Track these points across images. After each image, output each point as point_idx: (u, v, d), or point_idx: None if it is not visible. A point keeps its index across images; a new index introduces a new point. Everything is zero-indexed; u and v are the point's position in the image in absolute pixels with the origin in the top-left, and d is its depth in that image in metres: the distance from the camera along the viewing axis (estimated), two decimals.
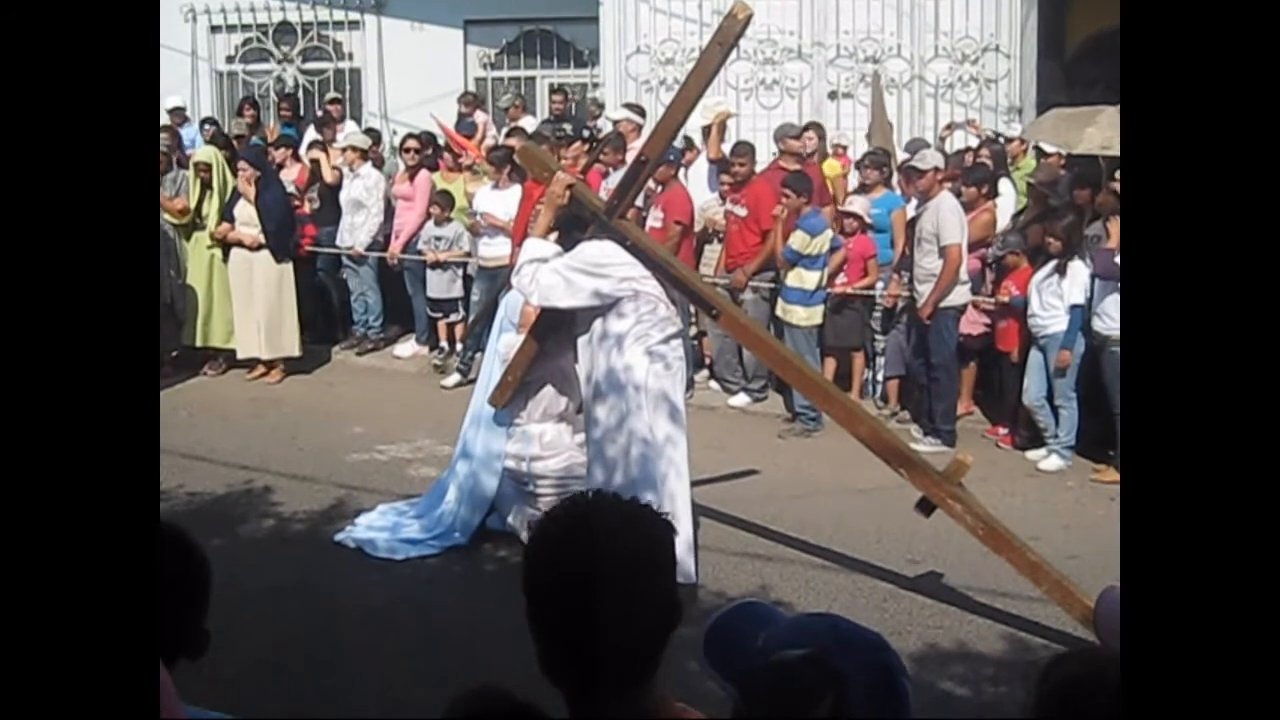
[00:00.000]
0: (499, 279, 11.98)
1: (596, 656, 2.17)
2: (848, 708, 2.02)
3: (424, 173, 13.35)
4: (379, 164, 13.96)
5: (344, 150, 13.53)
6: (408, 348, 13.66)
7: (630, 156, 10.73)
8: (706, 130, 12.83)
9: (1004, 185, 11.95)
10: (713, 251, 12.23)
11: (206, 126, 15.76)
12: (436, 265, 12.96)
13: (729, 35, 6.65)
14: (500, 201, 12.26)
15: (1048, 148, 12.30)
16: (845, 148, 13.68)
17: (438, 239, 12.93)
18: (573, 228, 7.30)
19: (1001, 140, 13.56)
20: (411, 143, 13.56)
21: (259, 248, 12.39)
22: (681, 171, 12.22)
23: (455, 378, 12.64)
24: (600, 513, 2.26)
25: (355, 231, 13.29)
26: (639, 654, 2.22)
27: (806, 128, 13.10)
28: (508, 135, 14.03)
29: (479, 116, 15.77)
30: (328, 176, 13.85)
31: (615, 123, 13.21)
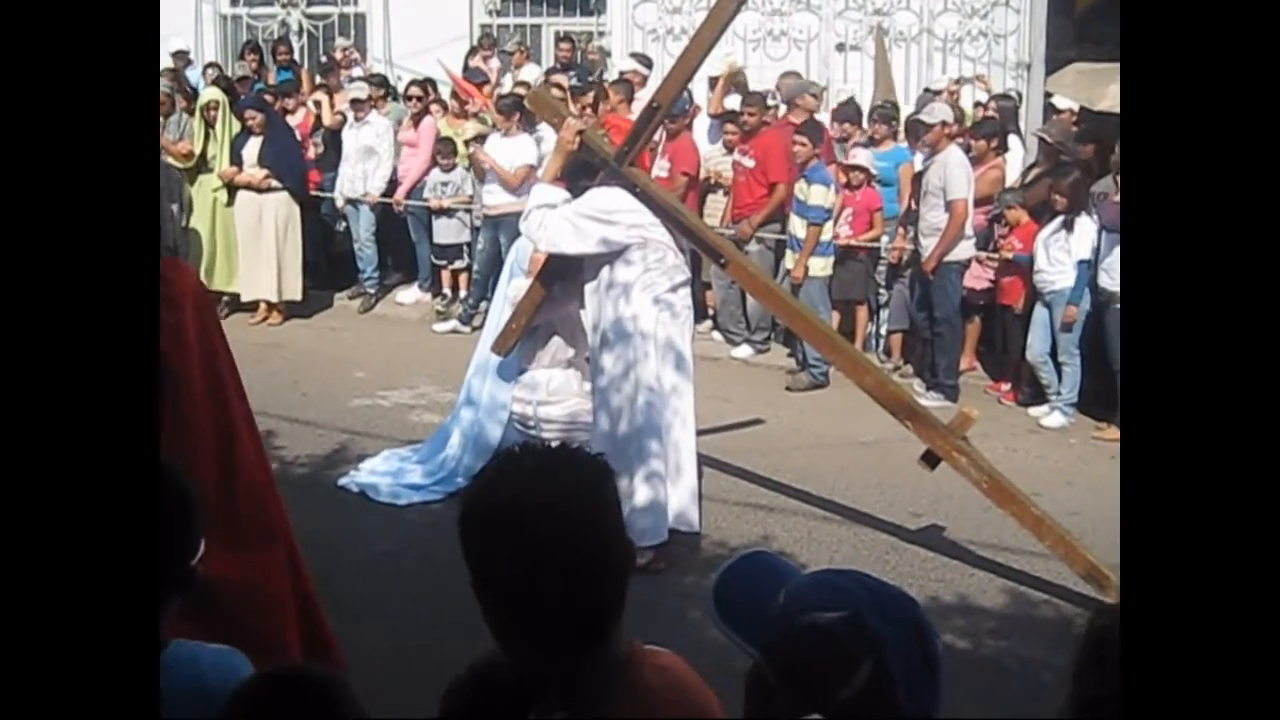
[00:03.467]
0: (501, 227, 11.96)
1: (549, 615, 2.10)
2: (887, 670, 1.93)
3: (428, 118, 13.25)
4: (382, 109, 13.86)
5: (350, 102, 13.44)
6: (410, 294, 13.62)
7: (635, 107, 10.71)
8: (714, 81, 12.78)
9: (1013, 141, 11.89)
10: (716, 202, 12.16)
11: (209, 71, 15.65)
12: (441, 212, 12.90)
13: None
14: (508, 150, 12.17)
15: (1060, 103, 12.22)
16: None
17: (443, 185, 12.87)
18: (581, 175, 7.25)
19: (1015, 96, 13.48)
20: (414, 89, 13.47)
21: (266, 190, 12.36)
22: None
23: (450, 324, 12.62)
24: (528, 466, 2.18)
25: (368, 178, 13.20)
26: (593, 604, 2.15)
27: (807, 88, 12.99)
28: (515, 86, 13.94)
29: (493, 63, 15.65)
30: (327, 122, 13.77)
31: (622, 74, 13.16)
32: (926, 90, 13.51)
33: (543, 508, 2.09)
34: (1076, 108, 11.91)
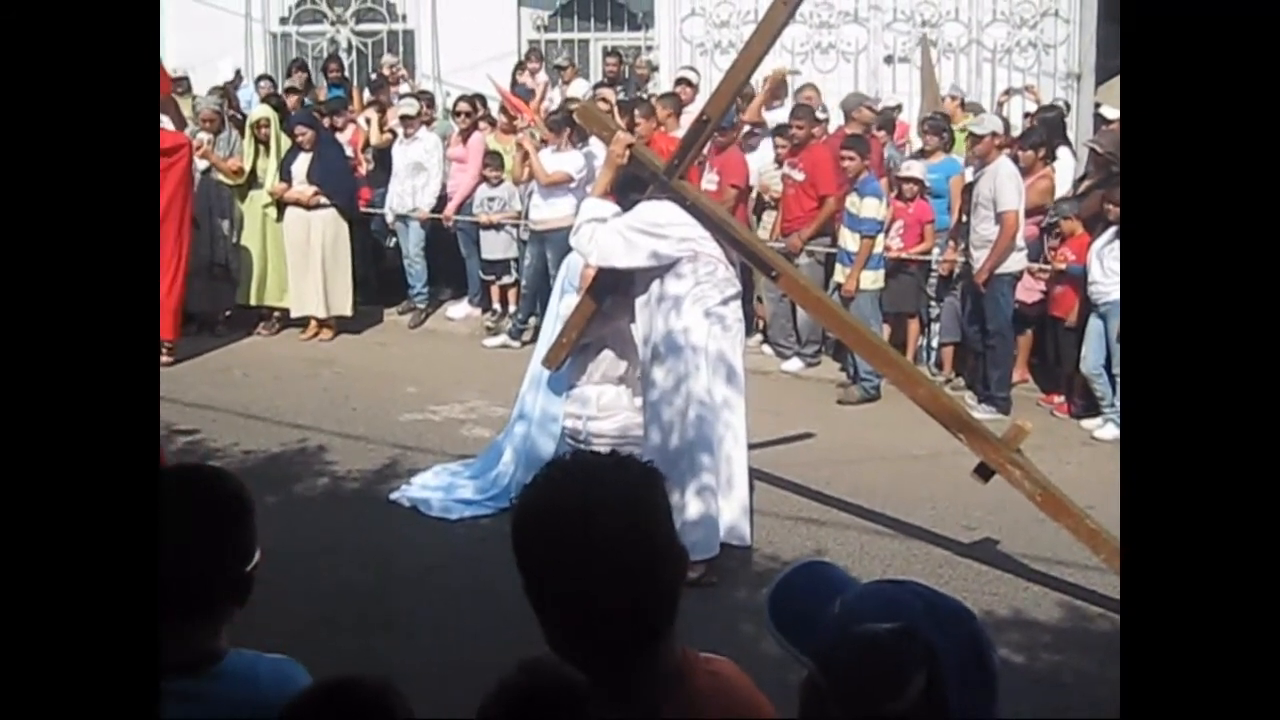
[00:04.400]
0: (548, 242, 11.99)
1: (603, 619, 2.12)
2: (942, 684, 1.90)
3: (477, 134, 13.30)
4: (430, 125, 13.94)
5: (400, 119, 13.50)
6: (460, 309, 13.66)
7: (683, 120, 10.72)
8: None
9: (1061, 151, 11.81)
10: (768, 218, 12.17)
11: (262, 84, 15.79)
12: (490, 227, 12.93)
13: None
14: (559, 166, 12.21)
15: (1109, 113, 12.15)
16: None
17: (490, 200, 12.91)
18: (631, 188, 7.25)
19: (1063, 106, 13.41)
20: (463, 105, 13.52)
21: (316, 207, 12.44)
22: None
23: (500, 339, 12.66)
24: (579, 473, 2.19)
25: (418, 194, 13.25)
26: (647, 609, 2.16)
27: (864, 100, 12.97)
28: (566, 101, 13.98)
29: (540, 77, 15.71)
30: (375, 139, 13.84)
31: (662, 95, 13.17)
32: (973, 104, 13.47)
33: (594, 513, 2.11)
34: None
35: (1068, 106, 13.78)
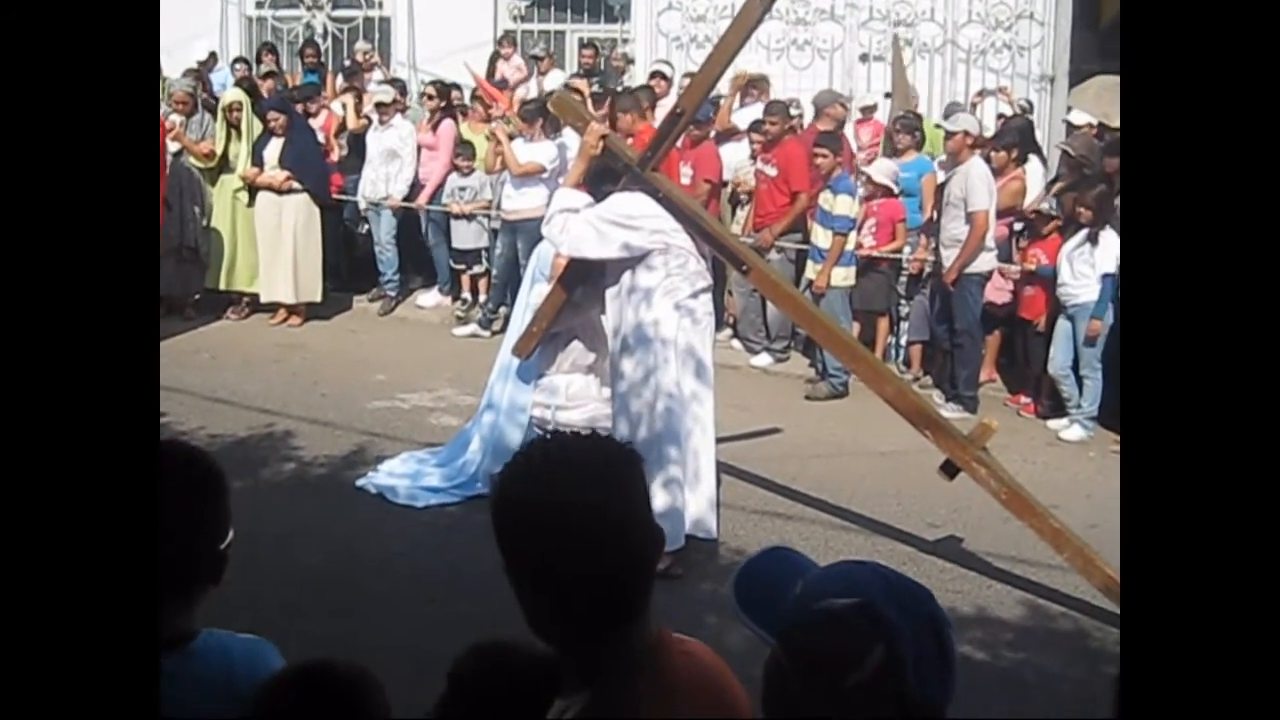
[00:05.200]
0: (520, 232, 11.98)
1: (581, 598, 2.13)
2: (899, 658, 1.94)
3: (447, 122, 13.29)
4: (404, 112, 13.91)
5: (375, 105, 13.46)
6: (430, 297, 13.64)
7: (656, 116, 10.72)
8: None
9: (1030, 159, 11.84)
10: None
11: (238, 66, 15.72)
12: (461, 216, 12.91)
13: None
14: (532, 156, 12.21)
15: (1076, 119, 12.18)
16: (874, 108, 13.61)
17: (461, 189, 12.89)
18: (604, 180, 7.25)
19: (1025, 105, 13.47)
20: (430, 90, 13.55)
21: (287, 192, 12.39)
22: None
23: (470, 328, 12.64)
24: (561, 451, 2.21)
25: (391, 181, 13.23)
26: (624, 590, 2.17)
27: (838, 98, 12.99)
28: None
29: (515, 61, 15.68)
30: (352, 125, 13.79)
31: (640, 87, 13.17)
32: (953, 104, 13.50)
33: (575, 492, 2.12)
34: (1095, 121, 11.87)
35: (1031, 106, 13.82)
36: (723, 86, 11.45)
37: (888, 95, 13.60)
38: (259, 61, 16.15)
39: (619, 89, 13.75)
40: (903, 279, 11.52)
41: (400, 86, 14.43)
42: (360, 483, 8.26)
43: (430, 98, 13.39)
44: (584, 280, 7.42)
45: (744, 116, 12.67)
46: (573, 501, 2.11)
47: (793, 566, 2.18)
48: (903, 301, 11.59)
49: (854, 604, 1.98)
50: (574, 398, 7.88)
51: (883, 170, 11.14)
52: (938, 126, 11.21)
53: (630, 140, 9.60)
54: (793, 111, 12.31)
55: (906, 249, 11.30)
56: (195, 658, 2.57)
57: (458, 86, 14.26)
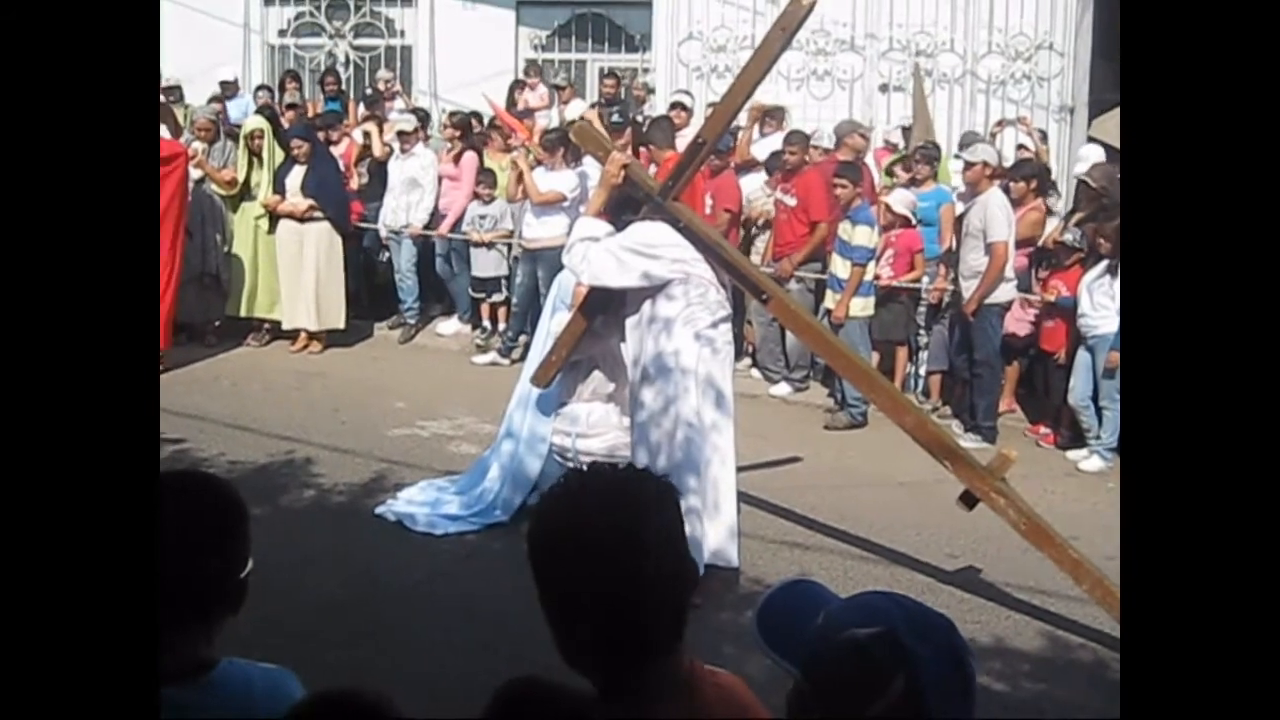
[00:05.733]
0: (540, 260, 12.00)
1: (619, 630, 2.15)
2: (920, 688, 1.96)
3: (469, 153, 13.34)
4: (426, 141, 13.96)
5: (397, 134, 13.52)
6: (450, 325, 13.67)
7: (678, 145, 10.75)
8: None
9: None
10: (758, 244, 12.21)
11: (260, 94, 15.81)
12: (481, 244, 12.95)
13: (792, 21, 6.59)
14: (552, 185, 12.24)
15: (1092, 153, 12.14)
16: (897, 145, 13.61)
17: (482, 218, 12.92)
18: (625, 209, 7.27)
19: (1041, 137, 13.47)
20: (449, 131, 13.64)
21: (309, 219, 12.45)
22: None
23: (490, 356, 12.66)
24: (596, 485, 2.23)
25: (412, 210, 13.27)
26: (660, 621, 2.20)
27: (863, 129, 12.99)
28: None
29: (540, 90, 15.73)
30: (377, 152, 13.85)
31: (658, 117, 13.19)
32: (970, 133, 13.51)
33: (612, 524, 2.15)
34: (1103, 157, 11.81)
35: (1045, 136, 13.80)
36: (740, 118, 11.48)
37: (905, 129, 13.58)
38: (282, 90, 16.21)
39: (640, 118, 13.81)
40: (922, 309, 11.51)
41: (422, 115, 14.49)
42: (379, 510, 8.27)
43: (451, 135, 13.45)
44: (604, 309, 7.44)
45: (761, 148, 12.69)
46: (612, 532, 2.14)
47: (814, 598, 2.21)
48: (922, 331, 11.58)
49: (875, 634, 1.99)
50: (594, 426, 7.89)
51: (901, 200, 11.14)
52: (957, 156, 11.19)
53: (653, 169, 9.63)
54: (814, 142, 12.33)
55: (925, 279, 11.29)
56: (215, 688, 2.57)
57: (478, 116, 14.31)
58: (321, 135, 13.47)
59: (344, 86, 17.26)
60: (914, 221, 11.20)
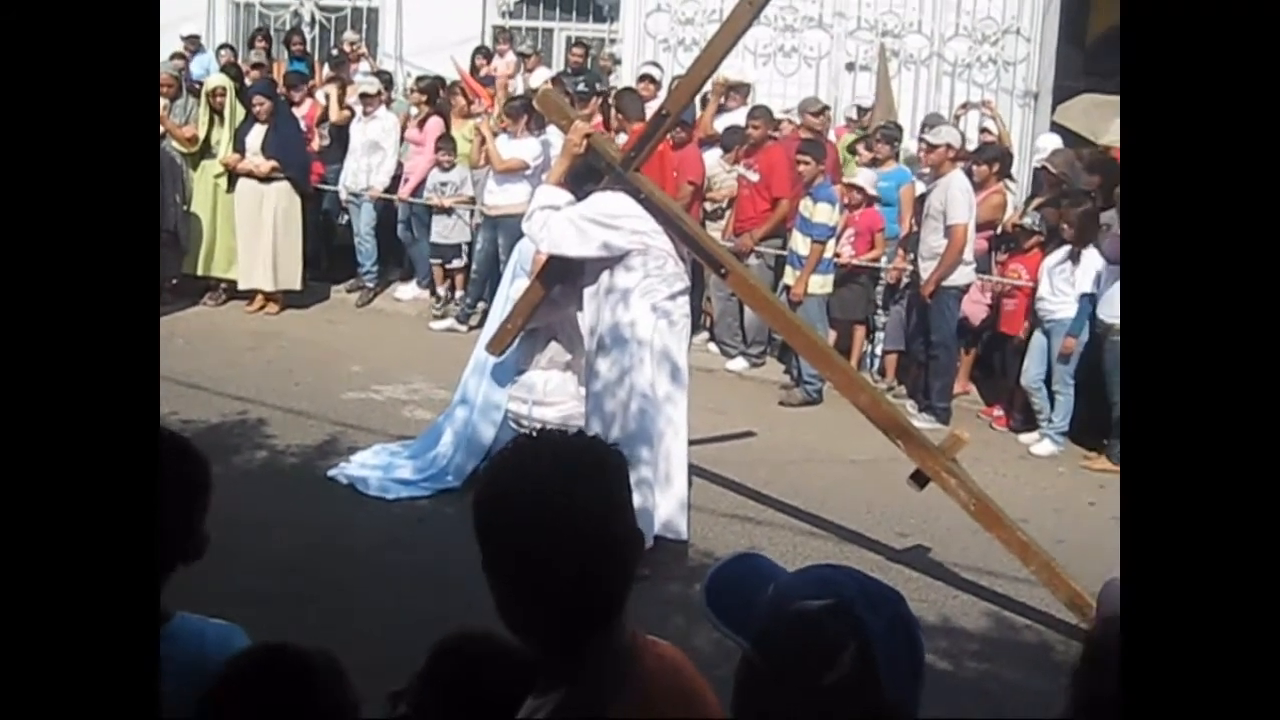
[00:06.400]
0: (500, 227, 11.97)
1: (561, 597, 2.14)
2: (872, 659, 1.97)
3: (434, 118, 13.27)
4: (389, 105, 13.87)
5: (359, 97, 13.43)
6: (409, 290, 13.63)
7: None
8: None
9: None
10: (715, 225, 12.17)
11: (223, 52, 15.68)
12: (442, 210, 12.90)
13: None
14: (515, 153, 12.20)
15: (1046, 142, 12.17)
16: (861, 122, 13.61)
17: (443, 184, 12.88)
18: (586, 178, 7.26)
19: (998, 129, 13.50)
20: (417, 96, 13.56)
21: (269, 179, 12.36)
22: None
23: (447, 322, 12.64)
24: (544, 450, 2.21)
25: (372, 173, 13.21)
26: (602, 590, 2.19)
27: (825, 108, 12.96)
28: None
29: (508, 57, 15.65)
30: (335, 116, 13.74)
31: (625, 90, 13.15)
32: (933, 115, 13.52)
33: (559, 490, 2.12)
34: (1059, 145, 11.84)
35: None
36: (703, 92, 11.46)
37: (861, 108, 13.56)
38: (251, 47, 16.08)
39: (606, 89, 13.77)
40: (880, 289, 11.54)
41: (386, 79, 14.41)
42: (332, 473, 8.27)
43: (418, 93, 13.38)
44: (563, 278, 7.43)
45: (724, 123, 12.66)
46: (558, 499, 2.11)
47: (764, 571, 2.21)
48: (879, 311, 11.60)
49: (827, 605, 2.00)
50: (550, 394, 7.90)
51: (867, 179, 11.15)
52: (920, 139, 11.20)
53: (623, 139, 9.60)
54: (778, 117, 12.32)
55: (884, 259, 11.32)
56: (168, 640, 2.58)
57: (444, 81, 14.23)
58: (284, 95, 13.37)
59: (309, 48, 17.11)
60: (876, 201, 11.22)
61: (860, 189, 11.06)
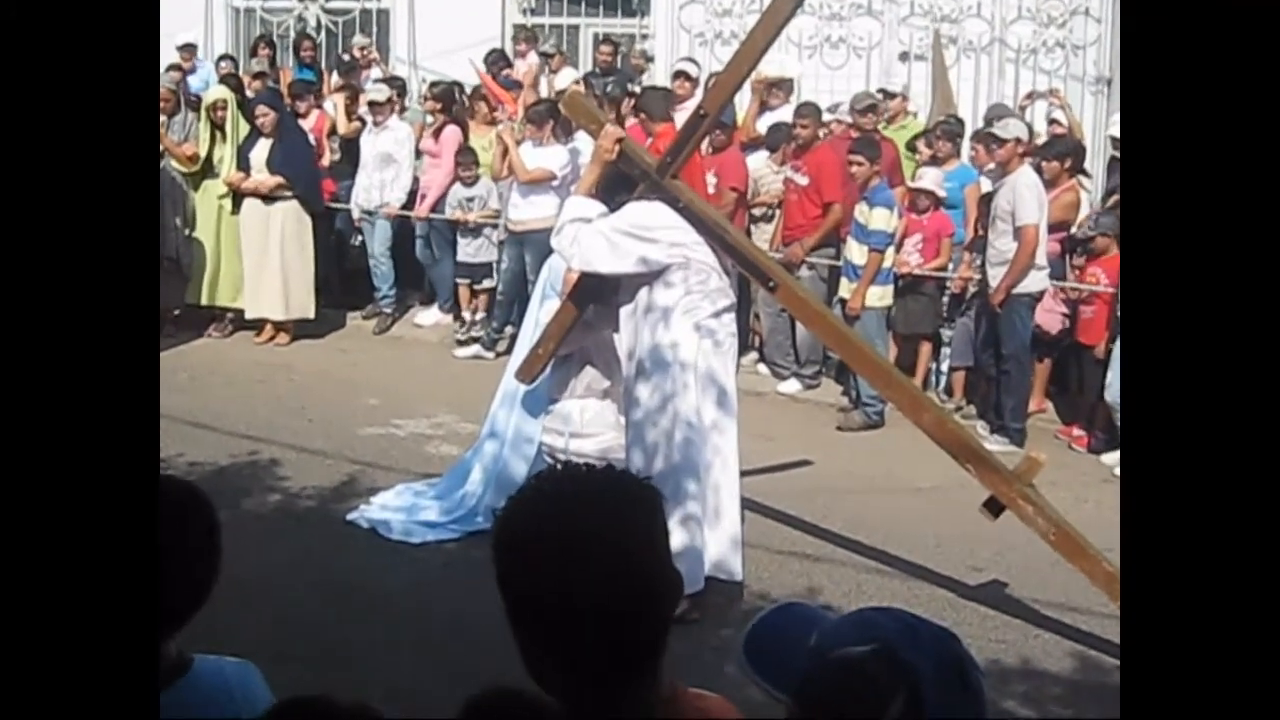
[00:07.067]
0: (527, 244, 11.99)
1: (589, 647, 2.12)
2: (922, 705, 1.95)
3: (451, 127, 13.28)
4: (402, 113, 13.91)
5: (369, 105, 13.49)
6: (430, 315, 13.67)
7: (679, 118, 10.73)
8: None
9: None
10: (760, 230, 12.17)
11: (223, 64, 15.78)
12: (467, 228, 12.93)
13: None
14: (540, 162, 12.19)
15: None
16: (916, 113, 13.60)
17: (468, 200, 12.90)
18: (619, 188, 7.25)
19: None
20: (431, 104, 13.58)
21: (276, 198, 12.41)
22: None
23: (473, 349, 12.67)
24: (573, 485, 2.19)
25: (386, 188, 13.26)
26: (636, 638, 2.17)
27: (873, 106, 12.90)
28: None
29: (531, 59, 15.69)
30: (343, 128, 13.81)
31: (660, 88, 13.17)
32: (996, 105, 13.48)
33: (586, 529, 2.11)
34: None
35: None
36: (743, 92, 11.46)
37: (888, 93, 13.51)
38: (253, 56, 16.18)
39: (637, 89, 13.78)
40: (945, 299, 11.49)
41: (399, 85, 14.46)
42: (351, 516, 8.29)
43: (432, 100, 13.43)
44: (596, 297, 7.43)
45: (766, 124, 12.65)
46: (585, 539, 2.10)
47: (805, 620, 2.20)
48: (946, 324, 11.56)
49: (871, 650, 1.99)
50: (588, 425, 7.86)
51: (933, 179, 11.12)
52: (989, 133, 11.14)
53: (649, 144, 9.61)
54: (826, 115, 12.30)
55: (950, 267, 11.28)
56: (196, 686, 2.71)
57: (461, 86, 14.27)
58: (289, 105, 13.44)
59: (320, 54, 17.21)
60: (942, 201, 11.19)
61: (928, 192, 11.03)
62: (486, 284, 13.16)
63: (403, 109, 13.90)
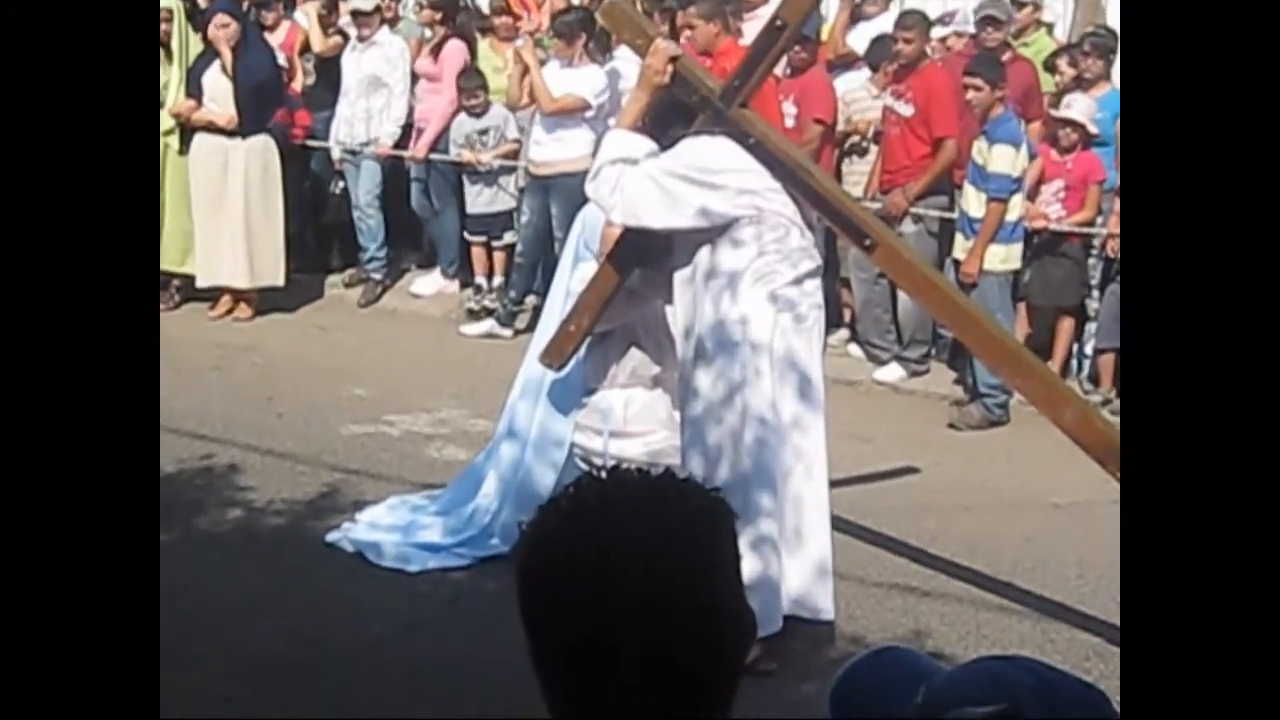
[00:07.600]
0: (553, 191, 11.97)
1: (636, 699, 2.09)
2: None
3: (454, 42, 13.24)
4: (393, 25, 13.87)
5: (351, 15, 13.44)
6: (430, 282, 13.68)
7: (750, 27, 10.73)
8: None
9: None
10: (853, 167, 12.18)
11: None
12: (476, 172, 12.96)
13: None
14: (571, 86, 12.17)
15: None
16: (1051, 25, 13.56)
17: (479, 134, 12.90)
18: (673, 120, 7.23)
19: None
20: (428, 12, 13.49)
21: (234, 132, 12.45)
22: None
23: (485, 325, 12.68)
24: (618, 496, 2.15)
25: (374, 120, 13.28)
26: (698, 690, 2.13)
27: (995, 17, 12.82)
28: None
29: None
30: (318, 45, 13.76)
31: None
32: None
33: (635, 556, 2.07)
34: None
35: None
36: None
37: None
38: None
39: None
40: (1091, 262, 11.43)
41: None
42: (332, 538, 8.33)
43: (430, 9, 13.37)
44: (644, 260, 7.43)
45: (862, 36, 12.61)
46: (633, 566, 2.07)
47: (909, 672, 2.17)
48: (1093, 294, 11.50)
49: (995, 711, 1.97)
50: (633, 421, 7.84)
51: (1083, 109, 11.02)
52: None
53: (709, 64, 9.61)
54: (938, 29, 12.25)
55: (1099, 220, 11.21)
56: None
57: None
58: (253, 16, 13.45)
59: None
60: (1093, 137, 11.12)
61: (1074, 124, 10.95)
62: (505, 240, 13.15)
63: (395, 19, 13.88)
